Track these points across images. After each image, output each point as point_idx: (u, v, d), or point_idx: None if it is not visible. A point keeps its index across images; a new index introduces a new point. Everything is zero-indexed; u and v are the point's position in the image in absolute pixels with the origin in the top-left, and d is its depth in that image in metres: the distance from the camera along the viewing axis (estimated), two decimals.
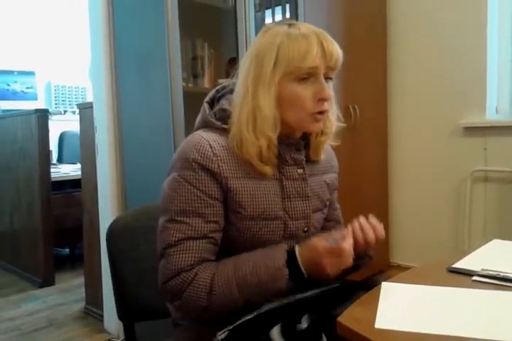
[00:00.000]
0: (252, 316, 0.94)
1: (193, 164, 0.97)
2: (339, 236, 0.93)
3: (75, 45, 4.77)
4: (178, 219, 0.96)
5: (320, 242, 0.93)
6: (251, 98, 0.98)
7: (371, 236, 0.97)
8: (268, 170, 1.01)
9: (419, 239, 3.06)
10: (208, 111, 1.05)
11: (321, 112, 1.00)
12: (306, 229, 1.08)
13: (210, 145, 0.98)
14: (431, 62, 2.92)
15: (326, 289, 0.98)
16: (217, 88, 1.11)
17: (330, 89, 1.01)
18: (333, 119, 1.09)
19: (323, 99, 0.98)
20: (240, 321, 0.95)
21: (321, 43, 0.96)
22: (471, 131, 2.78)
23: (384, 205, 3.16)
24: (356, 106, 2.72)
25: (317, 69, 0.97)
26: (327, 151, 1.18)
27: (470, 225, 2.80)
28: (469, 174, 2.78)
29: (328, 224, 1.21)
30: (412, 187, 3.08)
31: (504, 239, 1.25)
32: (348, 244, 0.90)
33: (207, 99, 1.09)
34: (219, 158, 0.97)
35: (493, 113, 2.75)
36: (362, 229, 0.97)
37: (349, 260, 0.91)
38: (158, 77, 1.93)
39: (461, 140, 2.83)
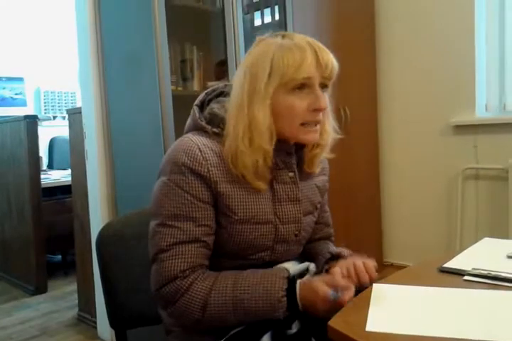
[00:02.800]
0: (242, 327, 0.93)
1: (183, 168, 0.96)
2: (342, 286, 0.89)
3: (63, 50, 4.74)
4: (169, 223, 0.96)
5: (322, 288, 0.89)
6: (246, 111, 0.96)
7: (365, 280, 0.95)
8: (262, 186, 1.00)
9: (412, 237, 3.06)
10: (197, 115, 1.04)
11: (315, 123, 0.99)
12: (297, 232, 1.07)
13: (199, 149, 0.97)
14: (420, 62, 2.93)
15: None
16: (206, 91, 1.09)
17: (326, 99, 1.00)
18: (330, 130, 1.07)
19: (318, 110, 0.98)
20: (231, 333, 0.94)
21: (316, 53, 0.95)
22: (461, 129, 2.78)
23: (376, 205, 3.16)
24: (347, 108, 2.72)
25: (312, 80, 0.96)
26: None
27: (462, 223, 2.81)
28: (460, 172, 2.79)
29: (316, 227, 1.20)
30: (404, 186, 3.08)
31: (496, 237, 1.25)
32: (348, 297, 0.88)
33: (197, 102, 1.08)
34: (208, 162, 0.96)
35: (482, 111, 2.76)
36: (357, 272, 0.96)
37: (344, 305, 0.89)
38: (147, 81, 1.92)
39: (451, 138, 2.84)
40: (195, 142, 0.98)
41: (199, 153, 0.96)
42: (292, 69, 0.94)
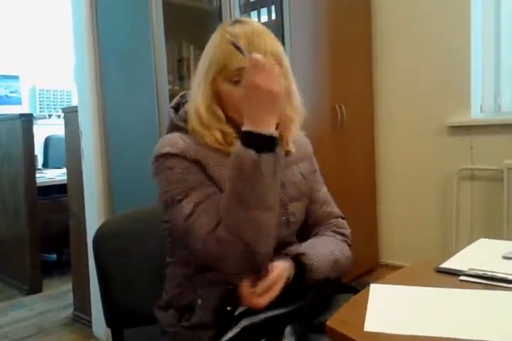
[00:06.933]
0: (235, 333, 0.92)
1: (169, 156, 0.99)
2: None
3: (59, 48, 4.72)
4: (180, 198, 0.97)
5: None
6: (192, 97, 1.05)
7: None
8: (233, 149, 0.96)
9: (408, 238, 3.07)
10: (173, 115, 1.09)
11: None
12: (284, 216, 1.07)
13: (181, 138, 1.02)
14: (416, 62, 2.94)
15: (304, 303, 0.98)
16: (181, 94, 1.14)
17: None
18: (290, 113, 1.06)
19: None
20: (226, 338, 0.93)
21: (248, 41, 0.97)
22: (457, 130, 2.80)
23: (372, 204, 3.17)
24: (343, 106, 2.72)
25: (245, 71, 0.94)
26: (300, 140, 1.18)
27: (457, 223, 2.82)
28: (456, 173, 2.80)
29: (312, 208, 1.18)
30: (400, 186, 3.10)
31: (490, 237, 1.26)
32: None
33: (172, 104, 1.13)
34: (191, 149, 1.00)
35: (477, 112, 2.77)
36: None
37: None
38: (144, 80, 1.92)
39: (447, 139, 2.85)
40: (175, 135, 1.03)
41: (182, 142, 1.01)
42: (226, 60, 0.98)
